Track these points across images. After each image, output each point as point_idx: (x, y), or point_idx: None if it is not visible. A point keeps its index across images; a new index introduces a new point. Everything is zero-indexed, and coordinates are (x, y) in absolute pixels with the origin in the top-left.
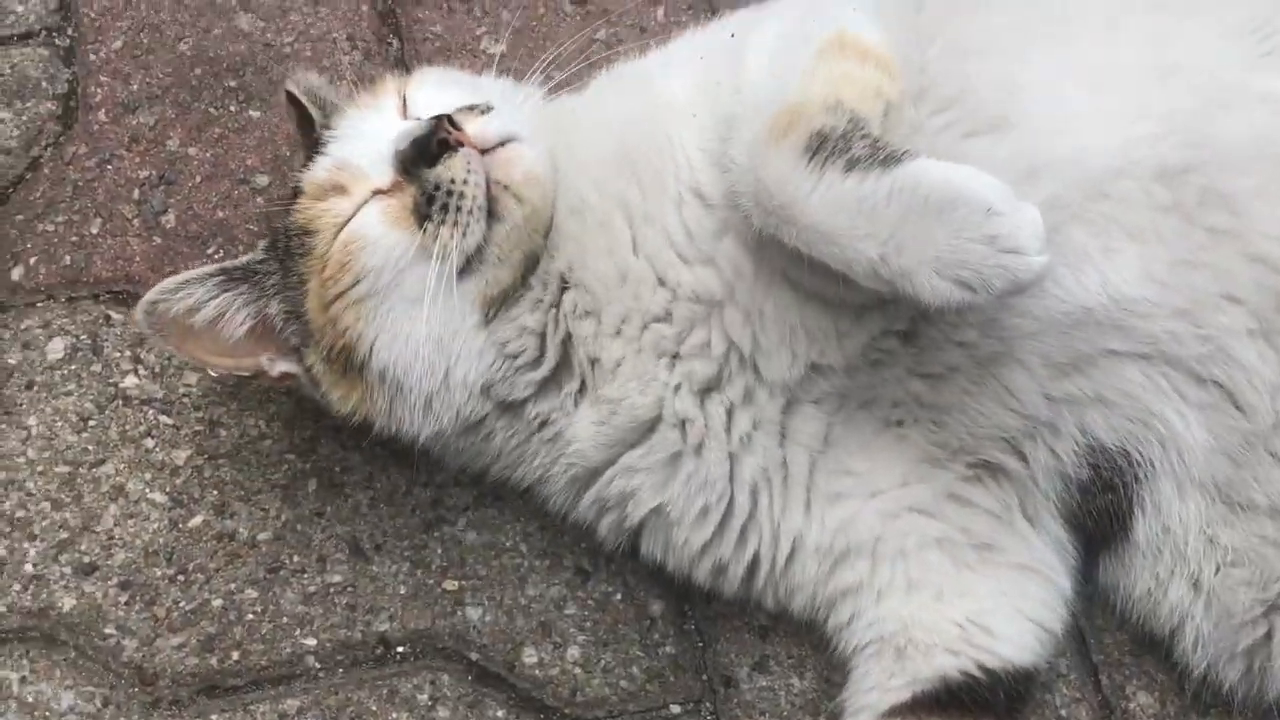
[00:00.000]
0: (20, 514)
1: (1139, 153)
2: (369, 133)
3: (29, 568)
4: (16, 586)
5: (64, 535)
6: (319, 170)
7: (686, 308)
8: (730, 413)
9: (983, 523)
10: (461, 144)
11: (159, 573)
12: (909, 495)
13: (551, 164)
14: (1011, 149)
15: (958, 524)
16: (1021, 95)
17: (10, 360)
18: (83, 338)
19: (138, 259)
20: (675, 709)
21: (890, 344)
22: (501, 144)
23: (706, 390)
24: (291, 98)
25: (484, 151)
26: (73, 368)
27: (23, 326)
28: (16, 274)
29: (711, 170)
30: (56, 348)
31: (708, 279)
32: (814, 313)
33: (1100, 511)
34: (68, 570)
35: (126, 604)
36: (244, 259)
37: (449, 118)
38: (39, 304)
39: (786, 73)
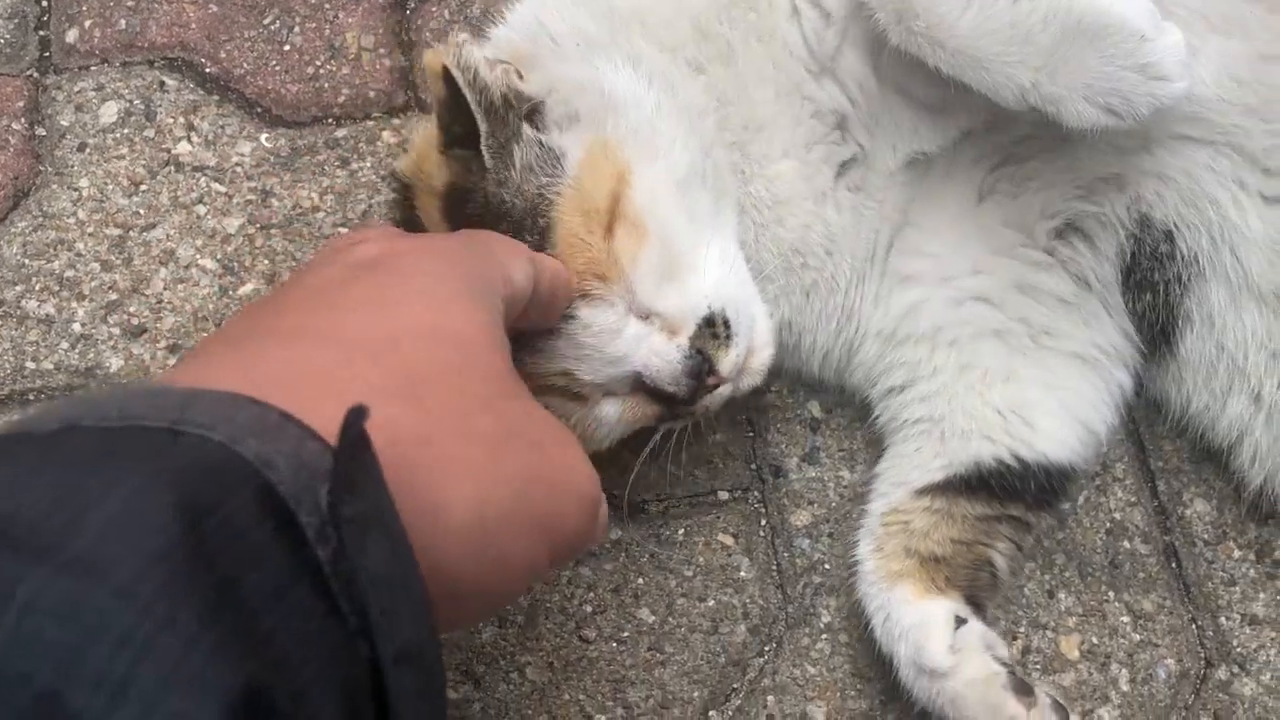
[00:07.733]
0: (69, 274)
1: None
2: None
3: (77, 327)
4: (64, 345)
5: (113, 297)
6: None
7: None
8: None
9: (1046, 310)
10: None
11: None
12: (977, 284)
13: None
14: None
15: (1019, 314)
16: None
17: (63, 122)
18: (136, 103)
19: (194, 25)
20: (723, 495)
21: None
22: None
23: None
24: None
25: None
26: (125, 132)
27: (76, 89)
28: (71, 36)
29: None
30: (110, 111)
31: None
32: (926, 120)
33: (1139, 317)
34: (116, 331)
35: (174, 366)
36: None
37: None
38: (93, 67)
39: None
